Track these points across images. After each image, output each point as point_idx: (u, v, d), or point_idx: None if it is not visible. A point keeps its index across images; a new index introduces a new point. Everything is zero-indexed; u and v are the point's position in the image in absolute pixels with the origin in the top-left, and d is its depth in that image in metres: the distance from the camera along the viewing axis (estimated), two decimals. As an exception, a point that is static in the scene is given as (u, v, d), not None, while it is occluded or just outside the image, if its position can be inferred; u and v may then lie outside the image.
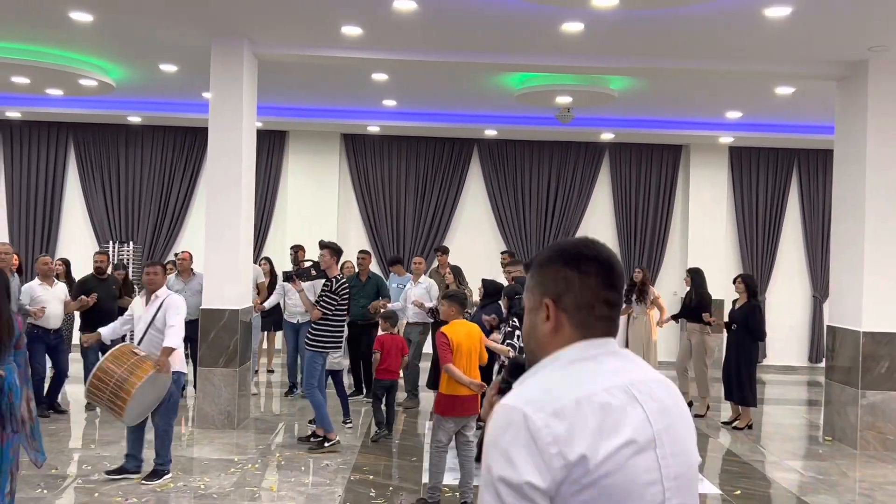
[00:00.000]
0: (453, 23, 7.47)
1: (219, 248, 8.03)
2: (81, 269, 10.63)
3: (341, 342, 7.59)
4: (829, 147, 10.78)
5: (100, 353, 8.90)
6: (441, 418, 5.74)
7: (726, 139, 13.10)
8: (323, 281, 7.56)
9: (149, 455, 6.40)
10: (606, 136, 13.15)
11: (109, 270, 9.53)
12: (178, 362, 6.18)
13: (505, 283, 8.43)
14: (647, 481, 1.46)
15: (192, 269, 9.44)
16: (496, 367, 6.89)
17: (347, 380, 9.19)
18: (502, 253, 11.07)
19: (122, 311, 8.50)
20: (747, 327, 8.56)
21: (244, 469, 6.63)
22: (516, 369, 1.62)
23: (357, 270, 9.88)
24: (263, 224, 13.41)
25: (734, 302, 8.99)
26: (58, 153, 13.39)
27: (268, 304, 9.80)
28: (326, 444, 7.28)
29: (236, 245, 8.06)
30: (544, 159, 13.65)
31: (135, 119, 12.82)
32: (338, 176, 13.58)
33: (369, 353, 8.63)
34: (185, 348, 7.96)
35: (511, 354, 6.31)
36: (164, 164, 13.43)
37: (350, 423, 8.31)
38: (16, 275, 8.32)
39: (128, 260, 12.82)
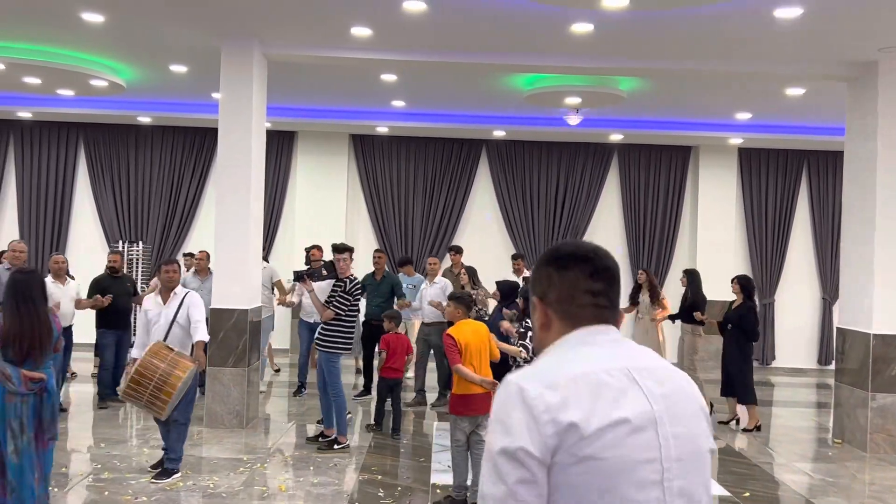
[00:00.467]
0: (462, 23, 7.47)
1: (228, 248, 8.05)
2: (92, 268, 10.66)
3: (352, 343, 7.61)
4: (839, 148, 10.73)
5: (118, 354, 9.00)
6: (457, 418, 5.75)
7: (736, 140, 13.07)
8: (333, 281, 7.57)
9: (153, 453, 6.42)
10: (615, 137, 13.13)
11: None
12: None
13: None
14: (644, 459, 1.49)
15: (208, 268, 9.51)
16: (513, 368, 6.86)
17: (357, 379, 9.21)
18: (514, 260, 11.03)
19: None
20: (742, 328, 8.64)
21: (253, 469, 6.65)
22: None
23: (373, 269, 9.85)
24: (272, 224, 13.44)
25: (731, 303, 9.04)
26: (68, 153, 13.45)
27: (294, 299, 9.88)
28: (336, 447, 7.30)
29: (245, 245, 8.08)
30: (553, 160, 13.63)
31: (145, 119, 12.87)
32: (346, 176, 13.59)
33: None
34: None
35: (523, 355, 6.30)
36: (173, 165, 13.48)
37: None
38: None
39: (137, 259, 12.89)
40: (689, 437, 1.57)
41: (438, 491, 6.18)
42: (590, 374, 1.52)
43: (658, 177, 13.75)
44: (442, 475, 6.55)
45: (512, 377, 1.56)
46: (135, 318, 9.87)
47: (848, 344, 8.27)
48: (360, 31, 7.79)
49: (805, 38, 7.53)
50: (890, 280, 7.98)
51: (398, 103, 11.54)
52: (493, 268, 11.95)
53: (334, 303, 7.31)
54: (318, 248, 10.06)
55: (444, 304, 9.28)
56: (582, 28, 7.45)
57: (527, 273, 8.41)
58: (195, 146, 13.48)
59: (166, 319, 6.22)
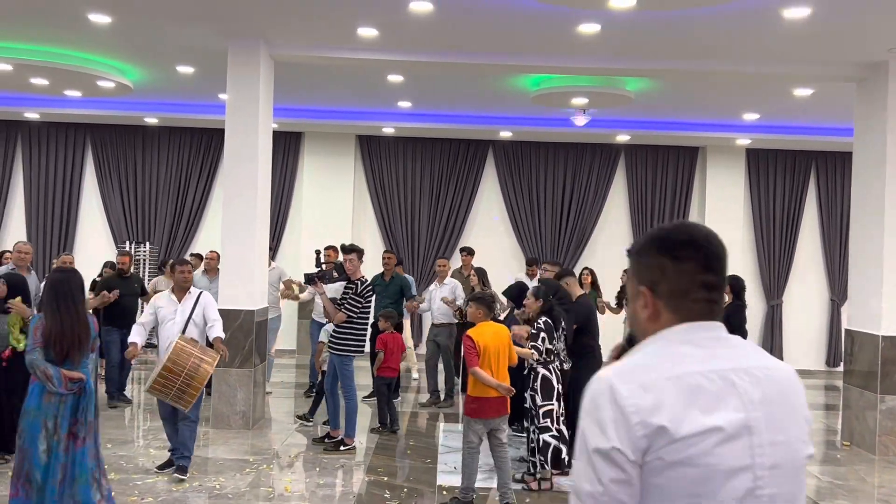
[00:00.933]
0: (469, 24, 7.46)
1: (234, 249, 8.06)
2: (99, 268, 10.67)
3: (364, 345, 7.60)
4: (847, 149, 10.68)
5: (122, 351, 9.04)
6: (471, 420, 5.73)
7: (743, 141, 13.01)
8: (346, 283, 7.55)
9: (159, 454, 6.42)
10: (622, 138, 13.09)
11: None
12: None
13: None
14: (737, 468, 1.45)
15: (218, 269, 9.52)
16: (525, 370, 6.79)
17: (361, 380, 9.17)
18: (528, 266, 10.98)
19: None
20: (730, 326, 8.60)
21: (259, 469, 6.65)
22: (633, 339, 1.67)
23: (382, 270, 9.81)
24: (278, 225, 13.44)
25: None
26: (75, 154, 13.48)
27: (305, 297, 9.91)
28: (342, 448, 7.29)
29: (252, 246, 8.08)
30: (559, 161, 13.60)
31: (152, 120, 12.89)
32: (353, 177, 13.59)
33: None
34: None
35: (535, 357, 6.25)
36: (180, 165, 13.50)
37: (311, 421, 8.32)
38: (33, 272, 8.40)
39: (145, 260, 12.92)
40: (787, 444, 1.52)
41: (445, 493, 6.16)
42: (685, 377, 1.47)
43: (665, 177, 13.71)
44: (448, 477, 6.53)
45: (605, 373, 1.50)
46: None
47: (857, 346, 8.22)
48: (367, 32, 7.78)
49: (813, 38, 7.49)
50: (899, 282, 7.93)
51: (404, 104, 11.54)
52: (499, 269, 11.94)
53: (346, 305, 7.28)
54: (334, 248, 9.89)
55: (458, 301, 9.33)
56: (589, 28, 7.42)
57: (549, 269, 8.44)
58: (202, 147, 13.50)
59: (182, 317, 6.32)
